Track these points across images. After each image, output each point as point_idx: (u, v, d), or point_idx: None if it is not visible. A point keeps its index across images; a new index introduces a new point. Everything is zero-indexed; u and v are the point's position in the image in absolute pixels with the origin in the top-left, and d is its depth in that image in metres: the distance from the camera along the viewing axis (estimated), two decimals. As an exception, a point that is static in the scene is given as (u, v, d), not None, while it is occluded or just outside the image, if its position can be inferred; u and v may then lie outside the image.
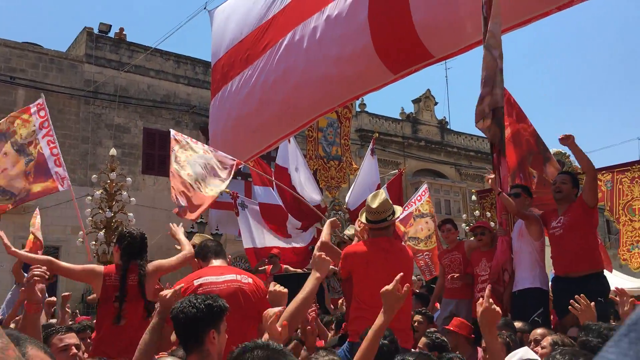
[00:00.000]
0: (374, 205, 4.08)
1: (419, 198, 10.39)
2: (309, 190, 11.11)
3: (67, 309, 5.98)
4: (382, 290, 2.46)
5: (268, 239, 10.47)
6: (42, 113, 7.22)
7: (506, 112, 5.52)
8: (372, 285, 3.72)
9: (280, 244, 10.23)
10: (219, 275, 3.32)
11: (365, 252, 4.04)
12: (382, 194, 4.21)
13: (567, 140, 4.85)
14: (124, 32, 20.61)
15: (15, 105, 17.38)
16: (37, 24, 64.95)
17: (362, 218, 4.27)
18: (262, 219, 10.57)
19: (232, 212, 11.17)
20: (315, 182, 12.16)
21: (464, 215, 19.51)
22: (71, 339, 3.01)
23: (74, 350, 2.97)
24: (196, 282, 3.21)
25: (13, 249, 4.66)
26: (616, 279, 8.26)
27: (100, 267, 4.21)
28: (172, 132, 6.56)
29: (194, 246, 4.41)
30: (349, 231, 5.95)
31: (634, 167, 11.49)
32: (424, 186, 10.96)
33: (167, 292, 2.89)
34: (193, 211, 5.77)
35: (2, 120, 7.22)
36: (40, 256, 4.73)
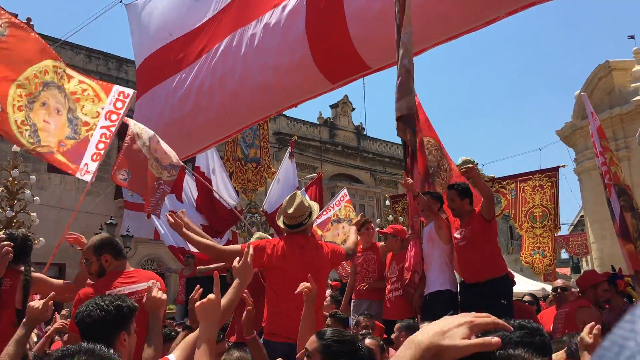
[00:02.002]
0: (290, 210, 4.10)
1: (337, 203, 10.51)
2: (225, 193, 10.99)
3: None
4: (200, 303, 2.23)
5: (177, 241, 10.27)
6: (118, 105, 6.12)
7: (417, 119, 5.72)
8: (289, 282, 3.73)
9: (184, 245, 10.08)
10: (134, 284, 3.28)
11: (283, 248, 4.02)
12: (299, 197, 4.19)
13: (470, 172, 5.12)
14: (31, 22, 19.53)
15: None
16: None
17: (280, 222, 4.26)
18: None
19: (144, 214, 10.86)
20: (230, 184, 12.04)
21: (378, 220, 19.94)
22: None
23: None
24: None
25: None
26: (518, 282, 8.75)
27: None
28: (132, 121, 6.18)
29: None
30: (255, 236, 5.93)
31: (535, 176, 12.22)
32: (343, 191, 11.11)
33: (36, 303, 2.72)
34: (135, 188, 5.62)
35: (74, 74, 6.30)
36: None
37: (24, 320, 2.72)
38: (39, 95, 5.98)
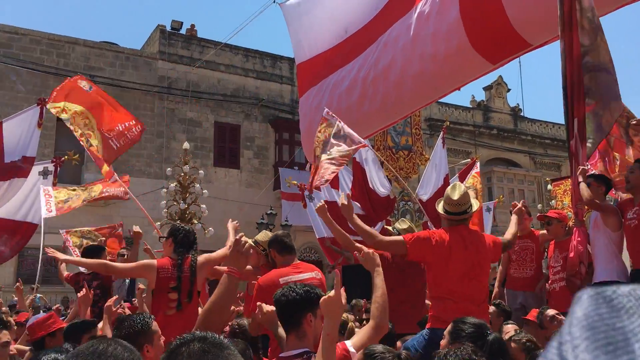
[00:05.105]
0: (455, 197, 4.06)
1: (465, 171, 10.53)
2: (377, 182, 11.07)
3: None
4: (323, 298, 2.38)
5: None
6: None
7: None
8: (453, 273, 3.84)
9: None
10: (299, 274, 3.74)
11: (448, 240, 3.98)
12: (461, 186, 4.20)
13: None
14: (195, 29, 21.15)
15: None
16: (113, 23, 67.68)
17: (439, 208, 4.22)
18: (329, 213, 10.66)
19: (299, 203, 11.30)
20: (383, 173, 12.09)
21: (539, 205, 18.87)
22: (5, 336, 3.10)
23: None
24: (282, 280, 3.59)
25: (69, 257, 4.96)
26: None
27: (154, 261, 4.39)
28: (325, 109, 6.49)
29: (255, 242, 4.72)
30: (401, 225, 5.88)
31: None
32: (476, 163, 11.00)
33: (268, 308, 3.03)
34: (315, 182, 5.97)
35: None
36: (94, 261, 4.99)
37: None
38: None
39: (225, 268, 2.73)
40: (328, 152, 5.89)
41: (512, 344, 3.57)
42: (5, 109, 15.29)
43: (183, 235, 4.39)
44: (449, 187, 4.24)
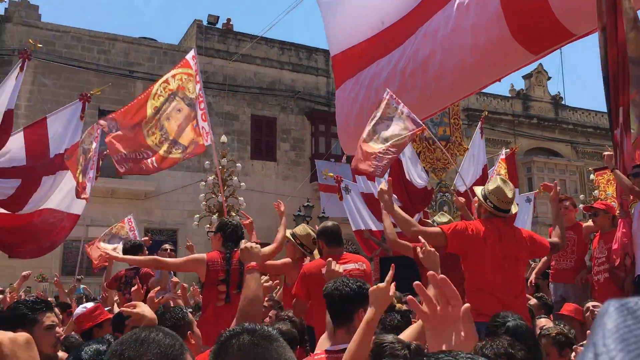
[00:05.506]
0: (510, 195, 4.05)
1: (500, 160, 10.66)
2: (414, 174, 11.00)
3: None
4: (372, 288, 2.37)
5: (373, 223, 10.51)
6: (194, 67, 7.33)
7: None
8: (487, 264, 3.82)
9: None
10: (345, 264, 3.87)
11: (483, 231, 3.95)
12: (511, 184, 4.19)
13: None
14: (231, 23, 21.31)
15: (134, 97, 18.60)
16: (151, 19, 68.71)
17: (479, 194, 4.18)
18: (365, 205, 10.64)
19: (336, 195, 11.32)
20: (420, 165, 12.00)
21: (582, 196, 18.44)
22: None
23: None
24: (324, 270, 3.66)
25: (120, 256, 5.13)
26: None
27: (204, 255, 4.48)
28: (387, 90, 6.48)
29: (292, 235, 4.88)
30: (441, 218, 5.81)
31: None
32: (506, 151, 10.98)
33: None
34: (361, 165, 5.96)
35: (170, 78, 7.51)
36: (145, 257, 5.15)
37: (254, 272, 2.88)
38: (159, 116, 7.20)
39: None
40: (380, 136, 5.87)
41: (542, 340, 3.43)
42: (48, 105, 15.71)
43: (231, 229, 4.52)
44: (500, 181, 4.17)
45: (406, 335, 2.70)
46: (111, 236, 8.92)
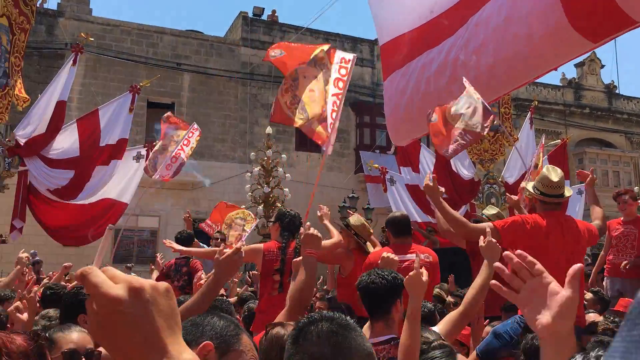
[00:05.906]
0: (555, 179, 3.89)
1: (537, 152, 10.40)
2: (460, 165, 10.83)
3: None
4: (405, 279, 2.40)
5: (418, 215, 10.42)
6: (342, 72, 6.70)
7: None
8: (549, 260, 3.61)
9: (430, 220, 10.15)
10: (405, 254, 3.95)
11: (545, 226, 3.81)
12: (557, 169, 4.06)
13: None
14: (276, 14, 21.37)
15: (182, 89, 18.92)
16: (197, 11, 69.62)
17: (529, 187, 4.05)
18: (410, 196, 10.56)
19: (380, 186, 11.28)
20: (467, 155, 11.80)
21: (636, 188, 17.79)
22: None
23: None
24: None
25: (180, 248, 5.26)
26: None
27: (260, 245, 4.55)
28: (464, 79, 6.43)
29: (347, 226, 4.91)
30: (489, 211, 5.68)
31: None
32: (547, 140, 10.68)
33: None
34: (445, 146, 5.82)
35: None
36: (205, 249, 5.27)
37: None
38: (296, 73, 6.61)
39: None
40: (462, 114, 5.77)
41: (589, 336, 3.30)
42: (100, 97, 16.12)
43: (289, 220, 4.58)
44: (546, 168, 4.07)
45: (442, 324, 2.71)
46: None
